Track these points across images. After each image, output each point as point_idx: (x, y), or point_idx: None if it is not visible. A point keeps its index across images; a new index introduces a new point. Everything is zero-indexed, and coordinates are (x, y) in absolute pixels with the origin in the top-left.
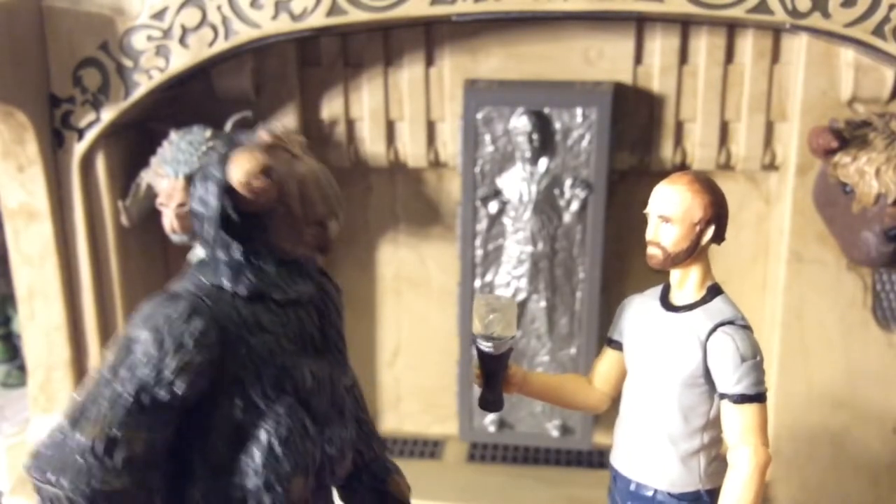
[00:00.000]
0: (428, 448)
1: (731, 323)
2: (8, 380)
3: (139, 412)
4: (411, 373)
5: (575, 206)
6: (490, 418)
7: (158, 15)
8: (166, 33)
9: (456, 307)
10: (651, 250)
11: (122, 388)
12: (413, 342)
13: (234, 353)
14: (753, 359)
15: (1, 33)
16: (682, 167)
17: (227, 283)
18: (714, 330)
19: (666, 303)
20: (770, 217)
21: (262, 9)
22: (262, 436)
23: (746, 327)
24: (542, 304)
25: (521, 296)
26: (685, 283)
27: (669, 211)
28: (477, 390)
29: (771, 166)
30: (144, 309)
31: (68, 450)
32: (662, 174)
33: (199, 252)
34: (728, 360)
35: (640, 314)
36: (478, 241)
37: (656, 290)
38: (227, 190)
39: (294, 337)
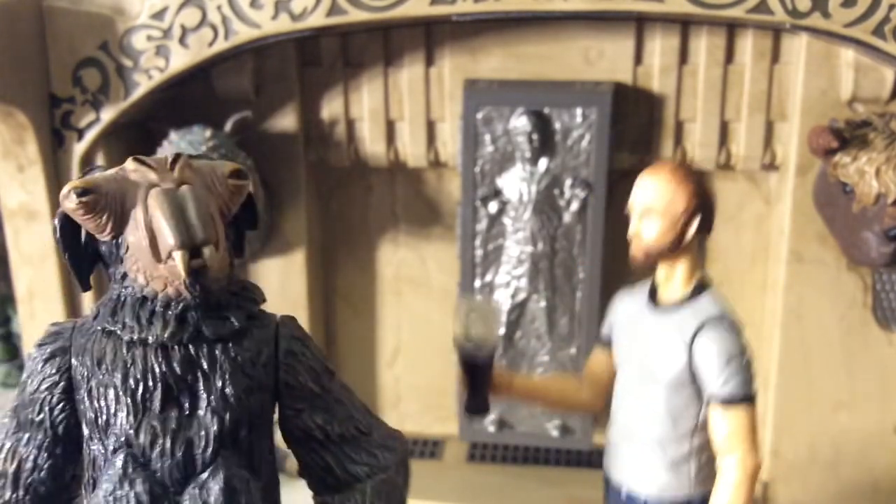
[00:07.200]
0: (428, 448)
1: (717, 321)
2: (8, 380)
3: (18, 428)
4: (411, 373)
5: (575, 206)
6: (490, 418)
7: (158, 15)
8: (166, 33)
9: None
10: (633, 247)
11: (14, 401)
12: (413, 342)
13: (80, 391)
14: (739, 358)
15: (1, 33)
16: None
17: (93, 313)
18: (700, 329)
19: (654, 300)
20: (770, 217)
21: (262, 9)
22: (100, 495)
23: (734, 325)
24: (542, 304)
25: (521, 296)
26: (671, 279)
27: (651, 203)
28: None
29: (771, 166)
30: None
31: None
32: None
33: None
34: (714, 360)
35: (628, 312)
36: (478, 241)
37: (646, 286)
38: (66, 213)
39: (136, 383)
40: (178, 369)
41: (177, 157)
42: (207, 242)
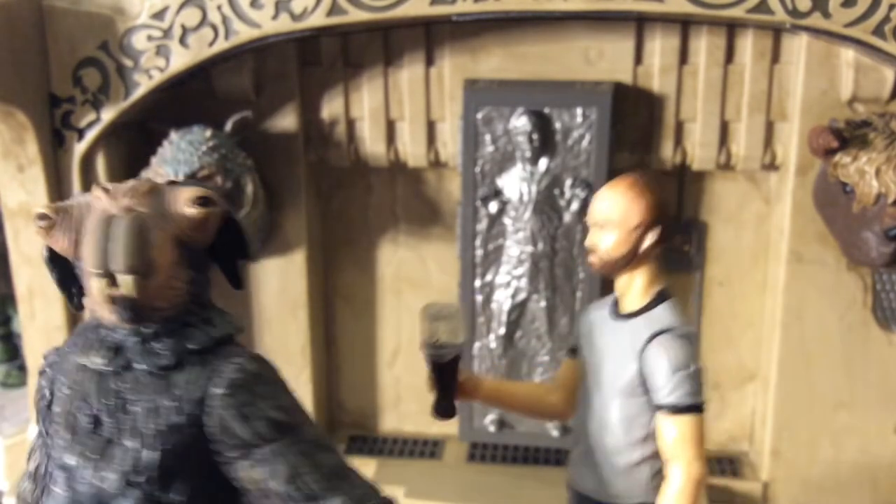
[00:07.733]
0: (428, 448)
1: (668, 331)
2: (8, 380)
3: (39, 434)
4: (411, 373)
5: (575, 206)
6: (490, 418)
7: (158, 15)
8: (166, 33)
9: None
10: (590, 257)
11: None
12: (413, 342)
13: (53, 406)
14: (686, 369)
15: (1, 33)
16: (682, 167)
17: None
18: (650, 339)
19: (615, 310)
20: (770, 217)
21: (262, 9)
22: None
23: (685, 336)
24: (542, 304)
25: (522, 296)
26: (629, 290)
27: (604, 216)
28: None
29: (771, 166)
30: None
31: None
32: (662, 174)
33: None
34: (661, 369)
35: (592, 321)
36: (478, 241)
37: (611, 297)
38: None
39: (74, 406)
40: (106, 398)
41: (137, 183)
42: (125, 271)
